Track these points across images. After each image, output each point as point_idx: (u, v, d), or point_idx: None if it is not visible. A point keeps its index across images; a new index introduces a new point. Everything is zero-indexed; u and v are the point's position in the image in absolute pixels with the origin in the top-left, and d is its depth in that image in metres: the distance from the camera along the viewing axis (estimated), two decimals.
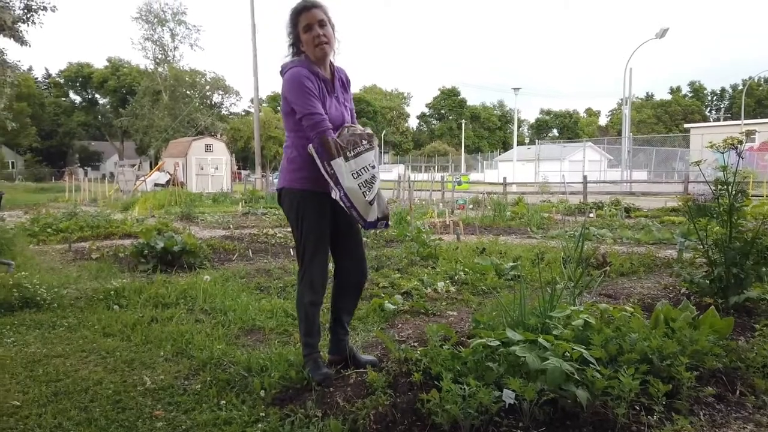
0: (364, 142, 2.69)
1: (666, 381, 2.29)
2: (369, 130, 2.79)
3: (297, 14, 2.67)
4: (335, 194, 2.60)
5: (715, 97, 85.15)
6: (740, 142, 4.10)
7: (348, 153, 2.60)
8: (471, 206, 15.43)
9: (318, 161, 2.58)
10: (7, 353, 3.28)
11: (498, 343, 2.45)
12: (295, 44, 2.75)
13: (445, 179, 21.75)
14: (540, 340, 2.36)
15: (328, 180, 2.59)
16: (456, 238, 8.46)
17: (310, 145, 2.58)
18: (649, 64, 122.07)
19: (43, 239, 8.51)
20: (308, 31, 2.64)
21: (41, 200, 20.54)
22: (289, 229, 2.93)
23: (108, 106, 62.17)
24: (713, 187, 4.15)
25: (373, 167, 2.71)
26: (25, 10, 17.23)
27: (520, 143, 60.05)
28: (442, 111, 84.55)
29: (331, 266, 2.94)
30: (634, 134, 38.96)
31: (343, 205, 2.62)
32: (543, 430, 2.11)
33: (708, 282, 4.11)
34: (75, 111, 63.34)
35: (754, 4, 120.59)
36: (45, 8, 17.55)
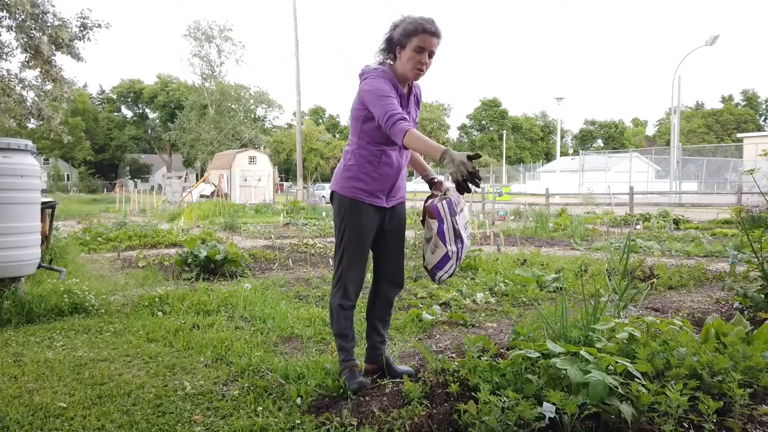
0: (461, 198, 2.74)
1: (716, 398, 2.18)
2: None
3: (418, 31, 2.54)
4: (453, 248, 2.66)
5: None
6: None
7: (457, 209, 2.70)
8: (512, 217, 15.21)
9: (449, 216, 2.64)
10: (56, 356, 3.40)
11: (538, 354, 2.38)
12: (391, 50, 2.64)
13: (485, 190, 21.52)
14: (582, 352, 2.28)
15: (449, 236, 2.65)
16: (496, 249, 8.34)
17: (438, 201, 2.63)
18: (699, 73, 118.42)
19: (93, 248, 8.83)
20: (419, 53, 2.56)
21: (93, 211, 21.36)
22: (329, 239, 2.94)
23: (157, 121, 64.53)
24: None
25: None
26: (81, 28, 18.02)
27: (564, 154, 59.05)
28: (483, 122, 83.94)
29: (368, 275, 2.94)
30: (683, 144, 37.73)
31: (454, 259, 2.69)
32: None
33: (763, 296, 3.91)
34: (126, 125, 66.02)
35: None
36: (99, 25, 18.31)
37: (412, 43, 2.55)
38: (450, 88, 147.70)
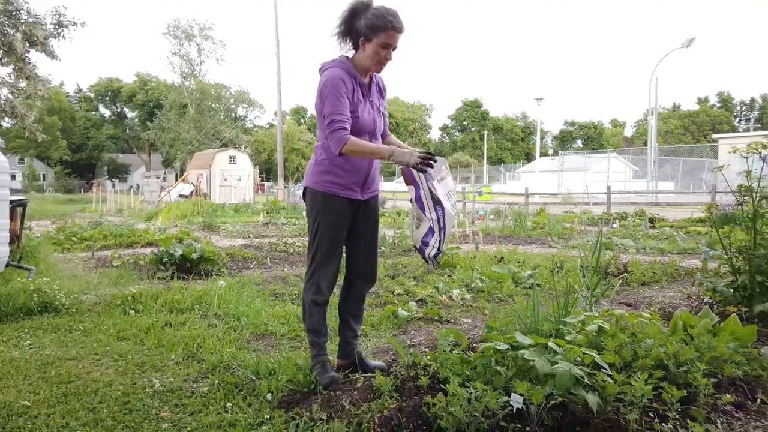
0: (443, 166, 2.71)
1: (682, 388, 2.21)
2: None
3: (387, 28, 2.52)
4: (433, 216, 2.61)
5: (744, 108, 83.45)
6: (764, 147, 3.98)
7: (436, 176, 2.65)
8: (492, 217, 15.30)
9: (424, 181, 2.58)
10: (22, 355, 3.33)
11: (507, 347, 2.39)
12: (352, 38, 2.61)
13: (466, 190, 21.61)
14: (550, 344, 2.30)
15: (427, 203, 2.60)
16: (475, 247, 8.38)
17: (411, 169, 2.56)
18: (675, 74, 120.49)
19: (67, 247, 8.68)
20: (384, 49, 2.56)
21: (69, 211, 21.00)
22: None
23: (136, 120, 63.70)
24: (736, 194, 4.03)
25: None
26: (56, 26, 17.73)
27: (544, 154, 59.61)
28: (465, 122, 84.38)
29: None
30: (660, 145, 38.33)
31: (437, 229, 2.63)
32: None
33: (732, 291, 3.98)
34: (104, 124, 65.03)
35: None
36: (75, 23, 18.03)
37: (379, 38, 2.54)
38: (432, 89, 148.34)
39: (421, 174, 2.57)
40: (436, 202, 2.61)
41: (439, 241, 2.67)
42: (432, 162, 2.50)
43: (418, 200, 2.63)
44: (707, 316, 3.10)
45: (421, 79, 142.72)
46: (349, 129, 2.52)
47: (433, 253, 2.69)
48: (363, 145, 2.52)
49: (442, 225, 2.64)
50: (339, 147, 2.50)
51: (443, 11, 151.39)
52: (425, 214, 2.63)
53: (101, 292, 5.14)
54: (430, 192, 2.59)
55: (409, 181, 2.64)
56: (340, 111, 2.51)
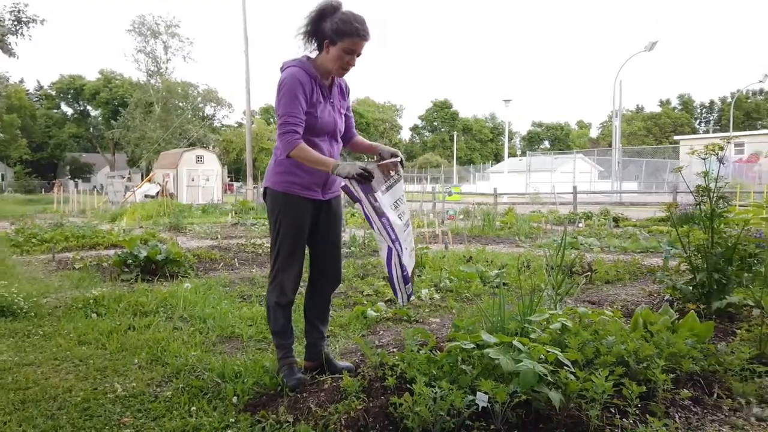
0: (392, 173, 2.63)
1: (642, 383, 2.26)
2: (396, 158, 2.68)
3: (352, 34, 2.51)
4: (381, 228, 2.52)
5: (704, 110, 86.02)
6: (721, 149, 4.11)
7: (382, 186, 2.55)
8: (461, 217, 15.43)
9: (361, 193, 2.48)
10: None
11: (473, 345, 2.41)
12: (317, 40, 2.60)
13: (436, 190, 21.76)
14: (515, 342, 2.33)
15: (372, 215, 2.50)
16: (444, 247, 8.43)
17: (345, 182, 2.47)
18: (639, 77, 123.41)
19: (27, 249, 8.42)
20: (348, 54, 2.54)
21: (29, 212, 20.37)
22: None
23: (100, 118, 62.00)
24: (695, 194, 4.15)
25: (403, 201, 2.67)
26: (15, 22, 17.19)
27: (512, 155, 60.39)
28: (435, 123, 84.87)
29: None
30: (624, 146, 39.25)
31: (389, 237, 2.52)
32: None
33: (690, 288, 4.09)
34: (66, 123, 63.11)
35: (741, 18, 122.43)
36: (35, 20, 17.53)
37: (344, 43, 2.53)
38: (402, 89, 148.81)
39: (356, 185, 2.48)
40: (380, 214, 2.53)
41: (399, 259, 2.55)
42: (368, 177, 2.43)
43: (366, 216, 2.55)
44: (667, 313, 3.18)
45: (392, 80, 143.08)
46: (302, 132, 2.52)
47: (395, 281, 2.59)
48: (310, 154, 2.49)
49: (393, 237, 2.54)
50: (287, 150, 2.51)
51: (414, 11, 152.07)
52: (374, 228, 2.55)
53: (62, 295, 5.00)
54: (371, 204, 2.51)
55: (354, 198, 2.54)
56: (293, 113, 2.50)
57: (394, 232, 2.55)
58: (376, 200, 2.51)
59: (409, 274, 2.64)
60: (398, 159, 2.69)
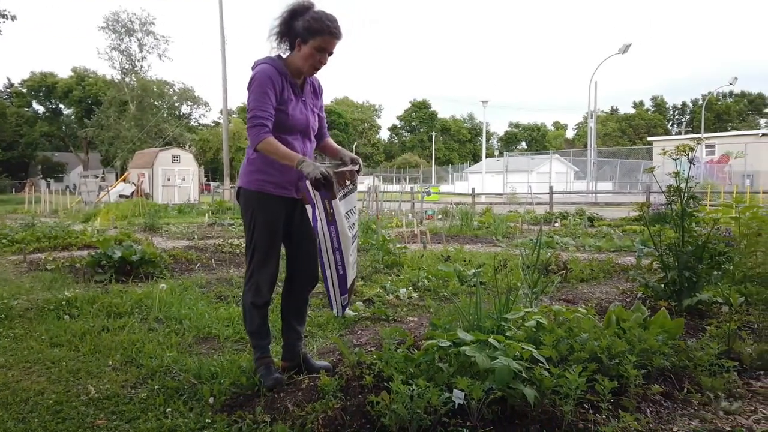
0: (348, 182, 2.60)
1: (614, 379, 2.31)
2: (354, 165, 2.66)
3: (324, 32, 2.52)
4: (326, 235, 2.48)
5: (676, 112, 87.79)
6: (691, 149, 4.21)
7: (338, 193, 2.51)
8: (440, 216, 15.50)
9: (319, 199, 2.45)
10: None
11: (450, 343, 2.43)
12: (290, 38, 2.61)
13: (415, 190, 21.82)
14: (491, 340, 2.35)
15: (323, 219, 2.47)
16: (422, 246, 8.47)
17: (307, 182, 2.43)
18: (614, 79, 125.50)
19: None
20: (320, 52, 2.56)
21: None
22: None
23: (72, 117, 60.76)
24: (667, 194, 4.24)
25: (355, 213, 2.64)
26: None
27: (490, 155, 60.86)
28: (413, 123, 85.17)
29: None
30: (599, 147, 39.88)
31: (332, 246, 2.50)
32: (491, 429, 2.10)
33: (662, 286, 4.18)
34: (38, 121, 61.64)
35: (712, 21, 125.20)
36: (5, 16, 17.14)
37: (315, 41, 2.54)
38: (381, 89, 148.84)
39: (317, 192, 2.45)
40: (330, 222, 2.48)
41: (336, 268, 2.52)
42: (325, 185, 2.40)
43: (313, 219, 2.52)
44: (639, 310, 3.25)
45: (371, 79, 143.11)
46: (271, 126, 2.52)
47: (338, 286, 2.55)
48: (276, 148, 2.48)
49: (336, 246, 2.50)
50: (255, 143, 2.51)
51: (393, 12, 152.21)
52: (318, 234, 2.51)
53: (33, 296, 4.90)
54: (325, 210, 2.47)
55: (307, 199, 2.52)
56: (263, 107, 2.51)
57: (339, 242, 2.51)
58: (332, 207, 2.47)
59: (348, 286, 2.63)
60: (357, 167, 2.70)
